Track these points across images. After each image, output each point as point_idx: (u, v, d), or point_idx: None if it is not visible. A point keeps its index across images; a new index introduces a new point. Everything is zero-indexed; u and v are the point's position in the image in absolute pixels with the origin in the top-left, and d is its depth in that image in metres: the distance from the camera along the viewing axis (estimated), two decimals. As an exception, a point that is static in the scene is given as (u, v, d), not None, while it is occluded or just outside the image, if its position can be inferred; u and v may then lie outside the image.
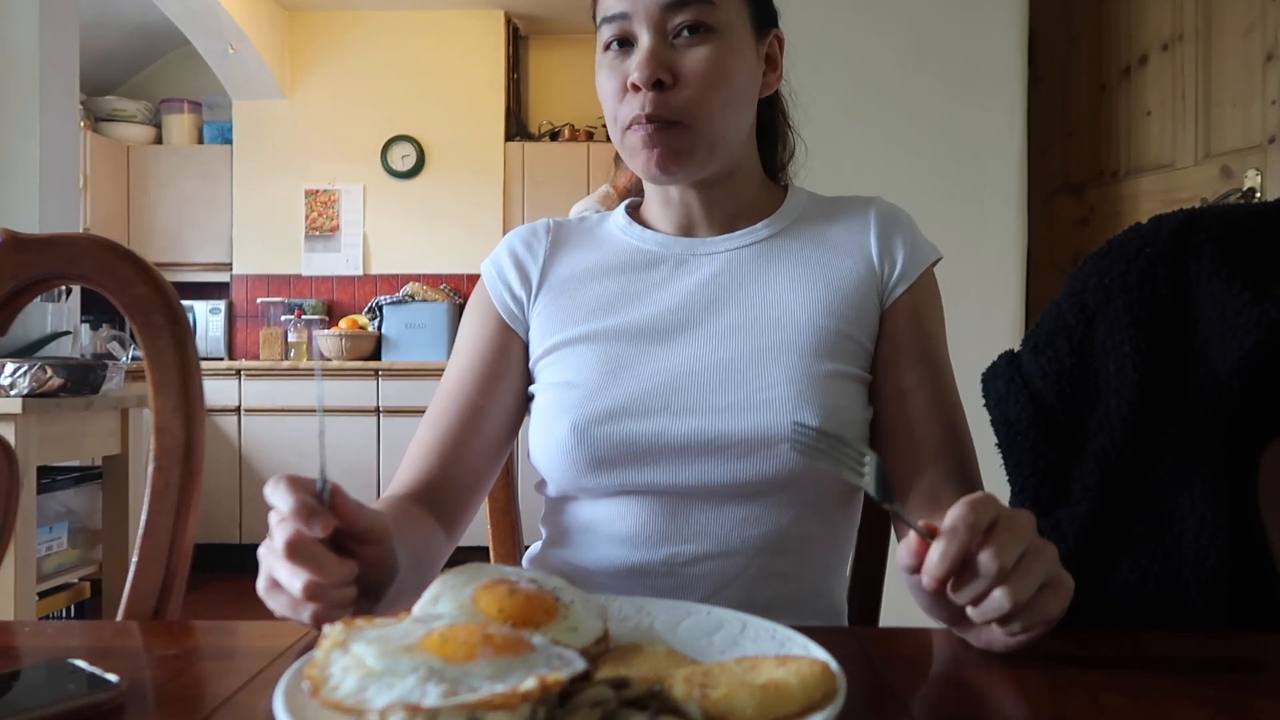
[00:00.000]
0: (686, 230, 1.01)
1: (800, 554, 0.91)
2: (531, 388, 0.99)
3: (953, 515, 0.58)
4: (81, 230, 4.33)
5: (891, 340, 0.95)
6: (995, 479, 0.88)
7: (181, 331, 0.84)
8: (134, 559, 0.82)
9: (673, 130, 0.91)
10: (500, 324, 1.01)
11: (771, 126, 1.06)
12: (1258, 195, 1.96)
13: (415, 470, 0.94)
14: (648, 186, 1.03)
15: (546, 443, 0.92)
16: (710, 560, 0.89)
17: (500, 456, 1.00)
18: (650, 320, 0.96)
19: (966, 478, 0.90)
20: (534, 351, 0.99)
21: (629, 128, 0.93)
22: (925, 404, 0.92)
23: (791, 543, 0.90)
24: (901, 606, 1.11)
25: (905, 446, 0.91)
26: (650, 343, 0.95)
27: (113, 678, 0.53)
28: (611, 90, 0.94)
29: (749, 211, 1.01)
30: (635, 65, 0.90)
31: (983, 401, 0.89)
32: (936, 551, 0.57)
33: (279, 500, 0.60)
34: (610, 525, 0.92)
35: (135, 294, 0.84)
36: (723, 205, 1.00)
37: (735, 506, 0.89)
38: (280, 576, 0.60)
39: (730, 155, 0.96)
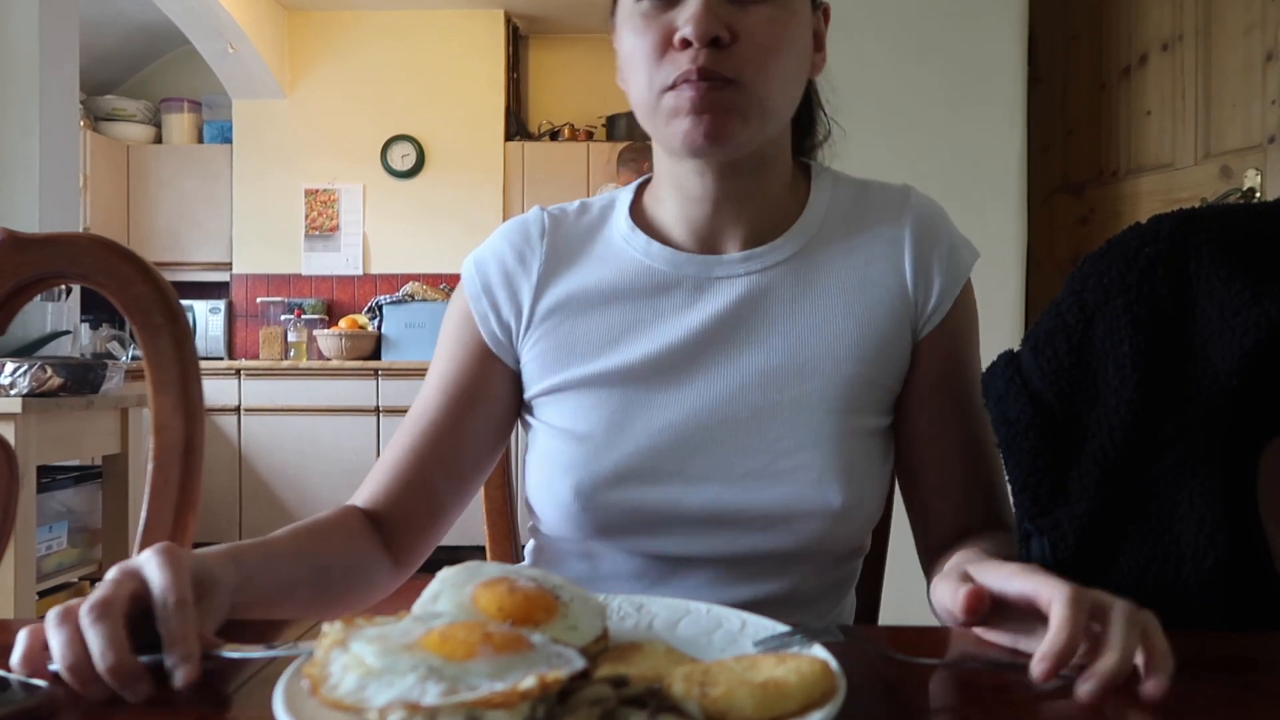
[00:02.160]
0: (703, 236, 0.89)
1: (804, 607, 0.88)
2: (529, 418, 0.92)
3: (1059, 620, 0.53)
4: (81, 229, 4.32)
5: (926, 377, 0.88)
6: (1001, 475, 0.88)
7: (180, 331, 0.84)
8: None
9: (729, 91, 0.79)
10: (483, 349, 0.90)
11: (806, 110, 0.94)
12: (1258, 195, 1.96)
13: (373, 488, 0.88)
14: (666, 179, 0.90)
15: (546, 498, 0.86)
16: None
17: (472, 484, 0.92)
18: (662, 357, 0.86)
19: (995, 512, 0.87)
20: (529, 388, 0.90)
21: (672, 88, 0.79)
22: (957, 444, 0.87)
23: (795, 598, 0.87)
24: (901, 604, 1.11)
25: (935, 486, 0.88)
26: (662, 385, 0.85)
27: (40, 683, 0.53)
28: (647, 48, 0.80)
29: (775, 209, 0.89)
30: (687, 18, 0.77)
31: (982, 400, 0.89)
32: (1050, 649, 0.52)
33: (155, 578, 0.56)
34: (602, 570, 0.88)
35: (135, 293, 0.84)
36: (752, 201, 0.88)
37: (742, 569, 0.85)
38: (90, 639, 0.52)
39: (774, 134, 0.85)
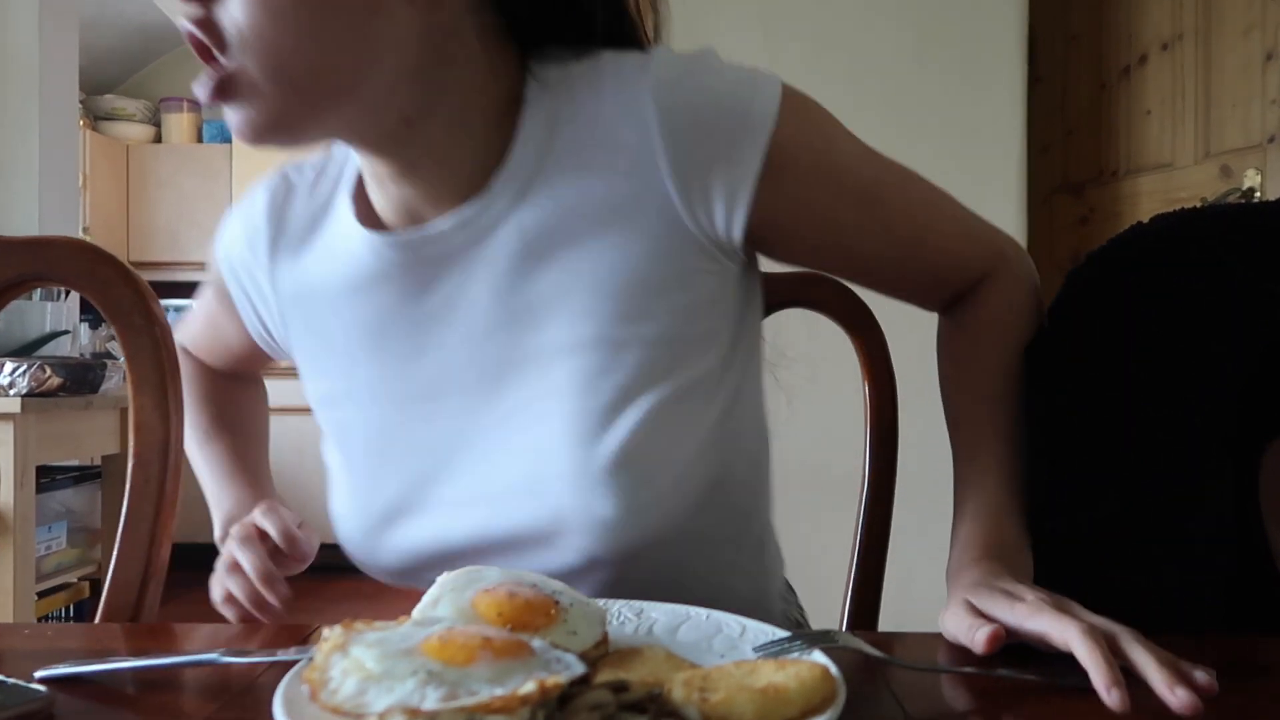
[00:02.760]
0: (410, 209, 0.73)
1: (653, 580, 0.73)
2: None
3: (1091, 657, 0.54)
4: (81, 229, 4.33)
5: (781, 244, 0.74)
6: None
7: (160, 331, 0.85)
8: (114, 554, 0.83)
9: (225, 69, 0.64)
10: (256, 338, 0.90)
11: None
12: (1257, 195, 1.96)
13: (196, 349, 1.02)
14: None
15: (337, 523, 0.80)
16: None
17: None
18: (404, 371, 0.75)
19: (963, 274, 0.81)
20: (304, 383, 0.84)
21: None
22: (879, 245, 0.76)
23: (641, 574, 0.72)
24: (900, 609, 1.11)
25: (875, 283, 0.81)
26: (412, 401, 0.75)
27: (39, 688, 0.53)
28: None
29: (481, 156, 0.70)
30: None
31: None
32: (1109, 679, 0.52)
33: (270, 528, 0.82)
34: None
35: (114, 295, 0.85)
36: (433, 164, 0.70)
37: (561, 574, 0.70)
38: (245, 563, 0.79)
39: (365, 99, 0.66)
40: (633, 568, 0.72)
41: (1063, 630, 0.56)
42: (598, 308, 0.69)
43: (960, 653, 0.62)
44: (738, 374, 0.76)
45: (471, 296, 0.72)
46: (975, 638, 0.59)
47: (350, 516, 0.77)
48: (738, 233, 0.70)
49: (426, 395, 0.74)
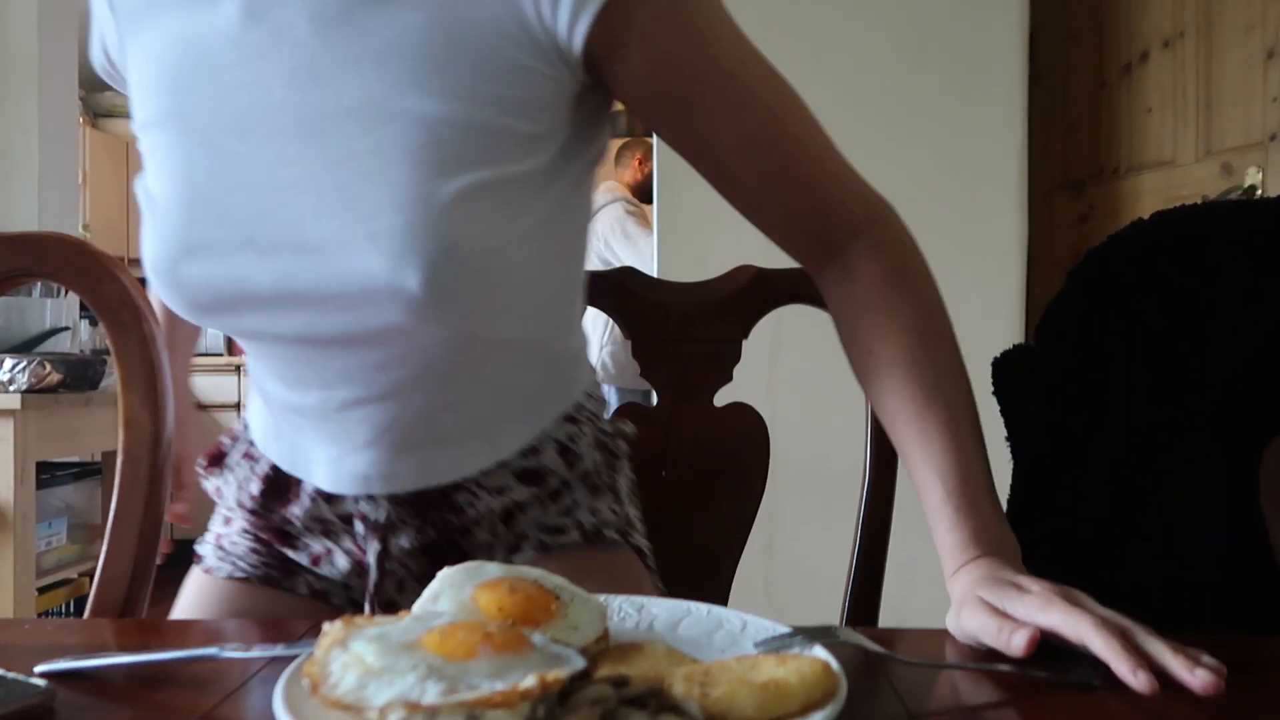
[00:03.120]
0: None
1: (474, 378, 0.80)
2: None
3: (1108, 650, 0.55)
4: (81, 225, 4.33)
5: (624, 86, 0.73)
6: (1001, 473, 0.87)
7: (148, 327, 0.85)
8: (103, 550, 0.84)
9: None
10: (100, 70, 0.85)
11: None
12: (1259, 192, 1.96)
13: None
14: None
15: (144, 249, 0.77)
16: (364, 405, 0.78)
17: None
18: (224, 106, 0.73)
19: (835, 220, 0.76)
20: (132, 111, 0.80)
21: None
22: (736, 141, 0.74)
23: (455, 370, 0.78)
24: (901, 605, 1.11)
25: (747, 207, 0.77)
26: (227, 135, 0.73)
27: (40, 682, 0.53)
28: None
29: None
30: None
31: (991, 390, 0.87)
32: (1130, 665, 0.53)
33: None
34: (258, 363, 0.83)
35: (102, 291, 0.85)
36: None
37: (366, 352, 0.75)
38: None
39: None
40: (436, 354, 0.75)
41: (1075, 625, 0.56)
42: (426, 75, 0.69)
43: (964, 649, 0.62)
44: (563, 190, 0.77)
45: (299, 36, 0.72)
46: (1013, 642, 0.58)
47: (156, 243, 0.75)
48: (578, 43, 0.70)
49: (243, 133, 0.73)
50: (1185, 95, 2.15)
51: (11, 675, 0.54)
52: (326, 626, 0.50)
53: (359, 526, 0.84)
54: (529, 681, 0.43)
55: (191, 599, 0.91)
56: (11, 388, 2.27)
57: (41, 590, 2.66)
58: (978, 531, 0.69)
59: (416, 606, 0.56)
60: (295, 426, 0.85)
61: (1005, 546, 0.69)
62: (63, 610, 2.86)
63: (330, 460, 0.83)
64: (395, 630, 0.49)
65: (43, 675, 0.55)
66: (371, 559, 0.85)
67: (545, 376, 0.87)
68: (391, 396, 0.78)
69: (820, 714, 0.45)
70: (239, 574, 0.90)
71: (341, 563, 0.87)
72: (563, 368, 0.89)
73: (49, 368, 2.31)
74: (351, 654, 0.47)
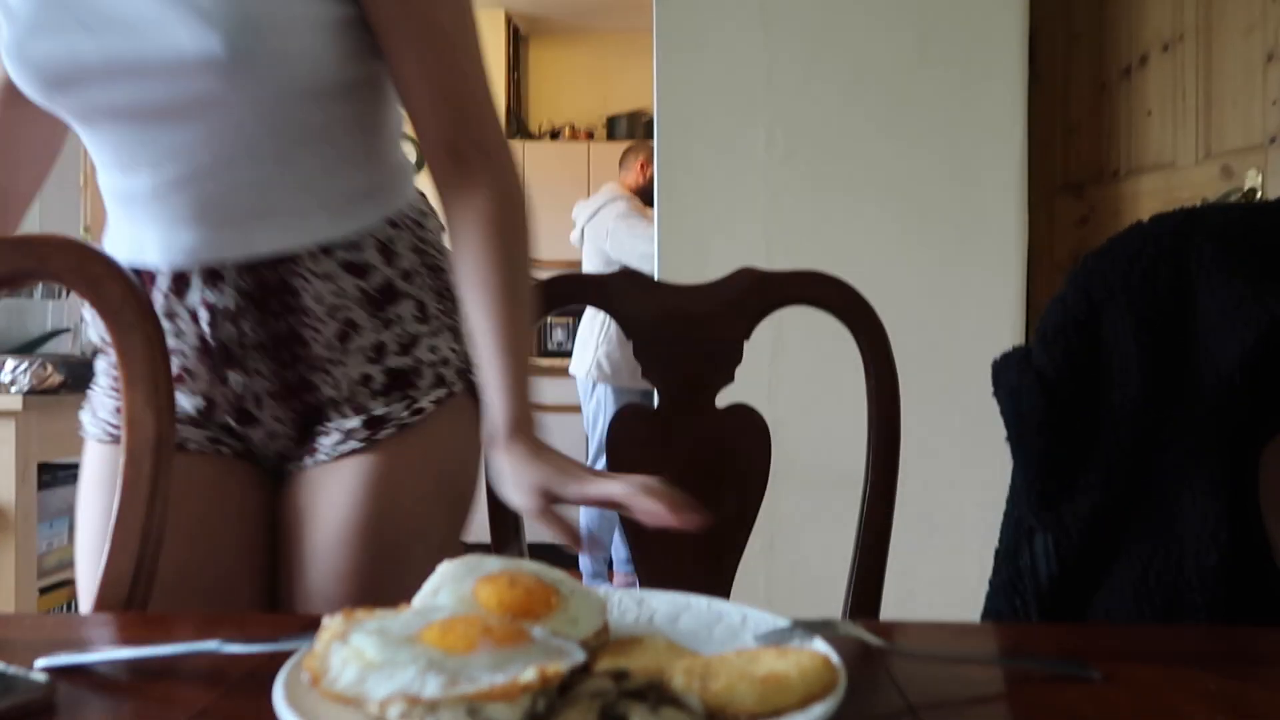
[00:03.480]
0: None
1: (289, 163, 0.90)
2: None
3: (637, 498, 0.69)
4: (82, 228, 4.33)
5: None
6: (1001, 474, 0.87)
7: (151, 328, 0.86)
8: (105, 550, 0.83)
9: None
10: None
11: None
12: (1258, 195, 1.96)
13: None
14: None
15: None
16: (189, 183, 0.87)
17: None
18: None
19: (470, 129, 0.92)
20: None
21: None
22: (421, 29, 0.90)
23: (271, 151, 0.88)
24: (902, 599, 1.11)
25: (403, 81, 0.91)
26: None
27: (41, 677, 0.53)
28: None
29: None
30: None
31: (991, 390, 0.87)
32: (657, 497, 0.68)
33: None
34: (98, 153, 0.91)
35: (105, 292, 0.86)
36: None
37: (188, 126, 0.85)
38: None
39: None
40: (251, 131, 0.86)
41: (603, 489, 0.71)
42: None
43: (962, 642, 0.62)
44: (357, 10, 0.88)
45: None
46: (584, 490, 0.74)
47: (9, 26, 0.85)
48: None
49: None
50: (1185, 97, 2.15)
51: (12, 669, 0.54)
52: (326, 620, 0.50)
53: (204, 314, 0.90)
54: (529, 675, 0.44)
55: (86, 474, 0.97)
56: (13, 389, 2.27)
57: (43, 590, 2.66)
58: (526, 413, 0.84)
59: (416, 600, 0.56)
60: (131, 216, 0.92)
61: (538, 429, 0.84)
62: (64, 610, 2.86)
63: (161, 239, 0.90)
64: (395, 624, 0.49)
65: (44, 669, 0.55)
66: (212, 339, 0.90)
67: (362, 178, 0.97)
68: (213, 174, 0.87)
69: (820, 706, 0.45)
70: (106, 438, 0.96)
71: (191, 360, 0.92)
72: (380, 175, 1.01)
73: (50, 369, 2.31)
74: (352, 648, 0.47)
